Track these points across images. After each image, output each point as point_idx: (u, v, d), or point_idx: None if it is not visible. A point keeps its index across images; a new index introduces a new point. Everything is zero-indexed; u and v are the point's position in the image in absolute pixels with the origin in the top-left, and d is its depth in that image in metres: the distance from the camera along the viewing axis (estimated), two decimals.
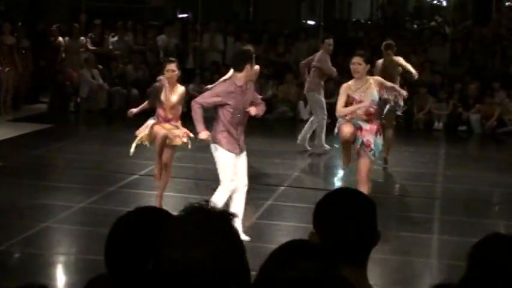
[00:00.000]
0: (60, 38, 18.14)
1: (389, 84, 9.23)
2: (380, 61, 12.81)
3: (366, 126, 8.84)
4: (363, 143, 8.81)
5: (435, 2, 43.66)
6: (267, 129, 14.42)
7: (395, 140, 15.88)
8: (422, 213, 10.26)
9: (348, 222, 2.67)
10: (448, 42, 18.88)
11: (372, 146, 8.84)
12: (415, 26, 28.68)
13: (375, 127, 8.91)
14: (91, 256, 7.88)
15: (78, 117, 17.57)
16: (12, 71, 16.57)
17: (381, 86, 8.95)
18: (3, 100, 16.59)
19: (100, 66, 18.06)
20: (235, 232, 2.05)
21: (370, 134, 8.82)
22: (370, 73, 9.45)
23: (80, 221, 9.38)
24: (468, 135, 16.85)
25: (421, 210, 10.40)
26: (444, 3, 40.54)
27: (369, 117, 8.85)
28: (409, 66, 12.62)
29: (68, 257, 8.31)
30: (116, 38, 18.99)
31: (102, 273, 2.52)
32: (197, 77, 17.97)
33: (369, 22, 27.49)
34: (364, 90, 8.83)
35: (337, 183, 11.94)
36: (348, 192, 2.89)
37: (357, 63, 8.85)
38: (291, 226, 9.25)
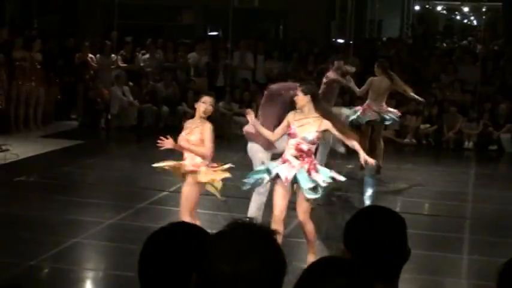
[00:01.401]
0: (91, 55, 18.26)
1: (337, 133, 8.35)
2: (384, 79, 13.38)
3: (295, 163, 8.21)
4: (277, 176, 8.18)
5: (466, 21, 43.52)
6: None
7: (425, 159, 15.83)
8: (452, 233, 10.20)
9: (379, 240, 2.69)
10: (479, 61, 18.79)
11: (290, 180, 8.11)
12: (445, 44, 28.57)
13: (306, 165, 8.20)
14: (120, 272, 7.93)
15: (109, 134, 17.68)
16: (41, 88, 16.72)
17: (327, 131, 8.37)
18: (33, 116, 16.74)
19: (131, 84, 18.19)
20: (278, 246, 2.11)
21: (293, 169, 8.14)
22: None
23: (110, 237, 9.43)
24: (499, 155, 16.74)
25: (450, 230, 10.33)
26: (475, 22, 40.40)
27: (299, 154, 8.23)
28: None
29: (98, 272, 8.35)
30: (146, 56, 19.13)
31: None
32: (227, 94, 18.03)
33: (400, 39, 27.40)
34: (301, 124, 8.30)
35: (366, 201, 11.90)
36: (378, 210, 2.90)
37: (295, 94, 8.49)
38: (320, 244, 9.23)
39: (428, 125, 17.29)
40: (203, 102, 8.16)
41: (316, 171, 8.17)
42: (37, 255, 8.32)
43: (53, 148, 14.83)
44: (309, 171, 8.14)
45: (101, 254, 9.07)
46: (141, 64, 19.05)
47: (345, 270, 2.07)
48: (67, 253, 8.64)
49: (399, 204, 11.59)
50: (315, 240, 8.25)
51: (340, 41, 23.84)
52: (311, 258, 8.07)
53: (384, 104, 13.62)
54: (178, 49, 19.52)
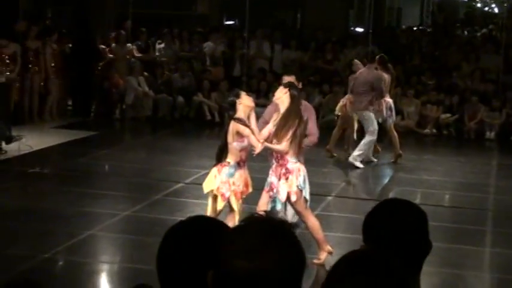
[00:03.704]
0: (102, 46, 18.22)
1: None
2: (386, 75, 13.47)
3: (273, 166, 8.07)
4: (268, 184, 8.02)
5: (487, 8, 43.23)
6: None
7: (446, 150, 15.76)
8: (474, 225, 10.12)
9: (400, 234, 2.65)
10: (501, 49, 18.65)
11: (274, 190, 7.93)
12: (466, 32, 28.40)
13: (279, 169, 7.94)
14: (136, 265, 7.92)
15: (124, 124, 17.70)
16: (56, 78, 16.76)
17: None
18: (49, 108, 16.79)
19: (146, 74, 18.17)
20: (298, 242, 2.06)
21: (274, 176, 7.98)
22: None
23: (125, 229, 9.43)
24: None
25: (472, 222, 10.26)
26: (496, 10, 40.13)
27: (276, 154, 8.06)
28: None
29: (113, 265, 8.34)
30: (162, 45, 19.11)
31: (141, 283, 2.51)
32: (243, 84, 17.99)
33: (420, 28, 27.28)
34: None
35: (385, 193, 11.85)
36: (398, 203, 2.86)
37: None
38: (339, 237, 9.19)
39: (449, 115, 17.19)
40: (245, 99, 8.14)
41: (286, 178, 7.93)
42: (51, 248, 8.32)
43: (67, 139, 14.85)
44: (279, 177, 7.95)
45: (116, 246, 9.07)
46: (157, 54, 19.04)
47: (380, 266, 2.00)
48: (81, 246, 8.63)
49: (419, 195, 11.52)
50: (323, 236, 8.11)
51: (359, 29, 23.75)
52: (322, 255, 7.99)
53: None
54: (193, 38, 19.49)
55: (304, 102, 9.11)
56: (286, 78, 8.85)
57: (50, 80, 16.57)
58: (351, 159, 13.03)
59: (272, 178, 8.00)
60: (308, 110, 8.92)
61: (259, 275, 1.96)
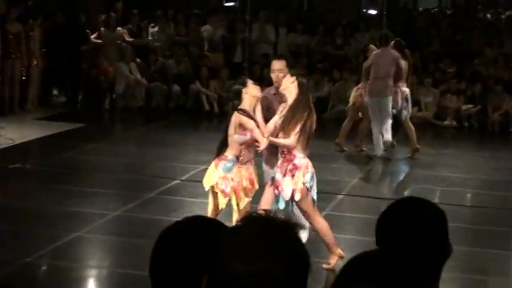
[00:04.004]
0: (87, 31, 18.25)
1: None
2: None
3: (279, 162, 8.04)
4: (273, 179, 8.03)
5: None
6: (323, 130, 14.36)
7: (468, 144, 15.73)
8: (498, 227, 10.11)
9: (416, 236, 2.65)
10: None
11: (279, 188, 7.89)
12: (489, 15, 28.40)
13: (286, 164, 7.92)
14: (127, 270, 7.93)
15: (114, 115, 17.71)
16: (38, 66, 16.79)
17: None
18: (32, 97, 16.80)
19: (138, 60, 18.16)
20: (300, 243, 2.04)
21: (279, 172, 7.96)
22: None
23: (115, 231, 9.43)
24: None
25: (496, 223, 10.25)
26: None
27: (282, 149, 8.04)
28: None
29: (101, 270, 8.36)
30: (156, 29, 19.10)
31: None
32: (245, 71, 17.98)
33: (439, 10, 27.27)
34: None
35: (401, 191, 11.86)
36: (415, 202, 2.85)
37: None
38: (350, 239, 9.20)
39: (470, 106, 17.18)
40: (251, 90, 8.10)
41: (292, 175, 7.90)
42: (34, 251, 8.31)
43: (52, 132, 14.87)
44: (285, 173, 7.93)
45: (105, 249, 9.08)
46: (150, 38, 19.04)
47: (391, 270, 1.99)
48: (67, 249, 8.64)
49: (438, 194, 11.52)
50: (333, 239, 8.10)
51: (372, 11, 23.71)
52: (333, 260, 7.97)
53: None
54: (190, 21, 19.48)
55: None
56: (276, 64, 8.69)
57: (32, 67, 16.56)
58: (385, 139, 13.06)
59: (277, 174, 7.99)
60: None
61: (258, 279, 1.94)
